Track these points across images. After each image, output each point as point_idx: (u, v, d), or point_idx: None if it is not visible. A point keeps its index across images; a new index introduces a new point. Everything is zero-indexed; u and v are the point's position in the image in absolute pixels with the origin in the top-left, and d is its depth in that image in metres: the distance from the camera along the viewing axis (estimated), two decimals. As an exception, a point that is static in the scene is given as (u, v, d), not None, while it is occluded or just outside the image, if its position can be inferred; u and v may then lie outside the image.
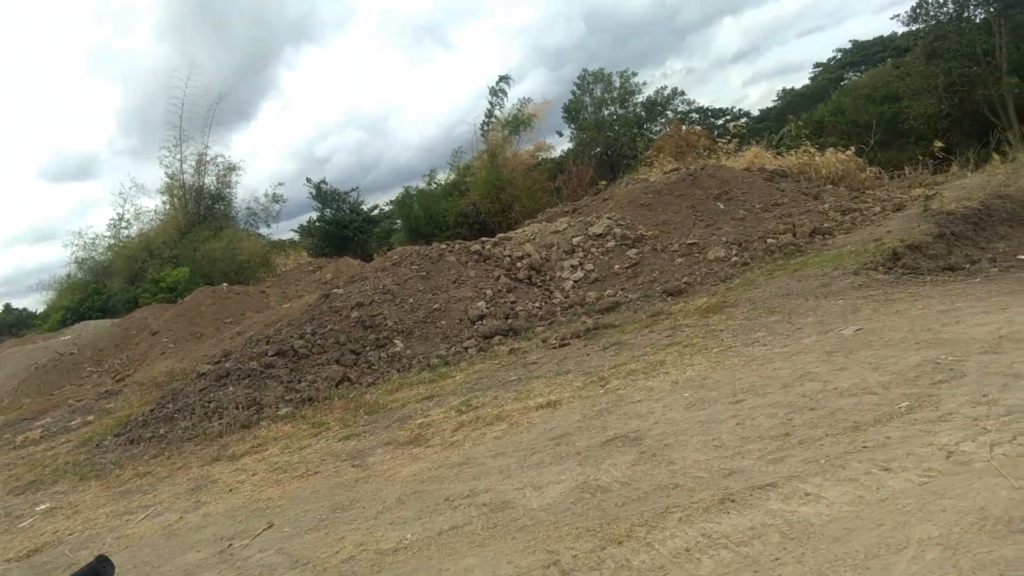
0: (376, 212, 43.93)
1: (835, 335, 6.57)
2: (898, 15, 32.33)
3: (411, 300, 10.75)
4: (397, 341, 9.97)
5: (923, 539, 3.04)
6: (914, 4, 29.97)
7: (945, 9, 29.66)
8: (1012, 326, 5.82)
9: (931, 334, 6.00)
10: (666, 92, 40.16)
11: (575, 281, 11.41)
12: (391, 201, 42.86)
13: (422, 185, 36.67)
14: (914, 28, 31.01)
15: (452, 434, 6.24)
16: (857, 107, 31.51)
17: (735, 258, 10.78)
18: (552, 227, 12.90)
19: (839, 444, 4.21)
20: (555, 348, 8.79)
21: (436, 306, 10.66)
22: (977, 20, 29.19)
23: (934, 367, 5.17)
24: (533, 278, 11.59)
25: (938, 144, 18.45)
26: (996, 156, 15.67)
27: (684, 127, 29.46)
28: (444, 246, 12.52)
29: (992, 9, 28.31)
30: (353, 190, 41.33)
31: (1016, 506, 3.14)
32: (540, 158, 34.13)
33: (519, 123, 32.73)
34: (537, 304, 10.85)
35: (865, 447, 4.10)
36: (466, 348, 9.72)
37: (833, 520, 3.38)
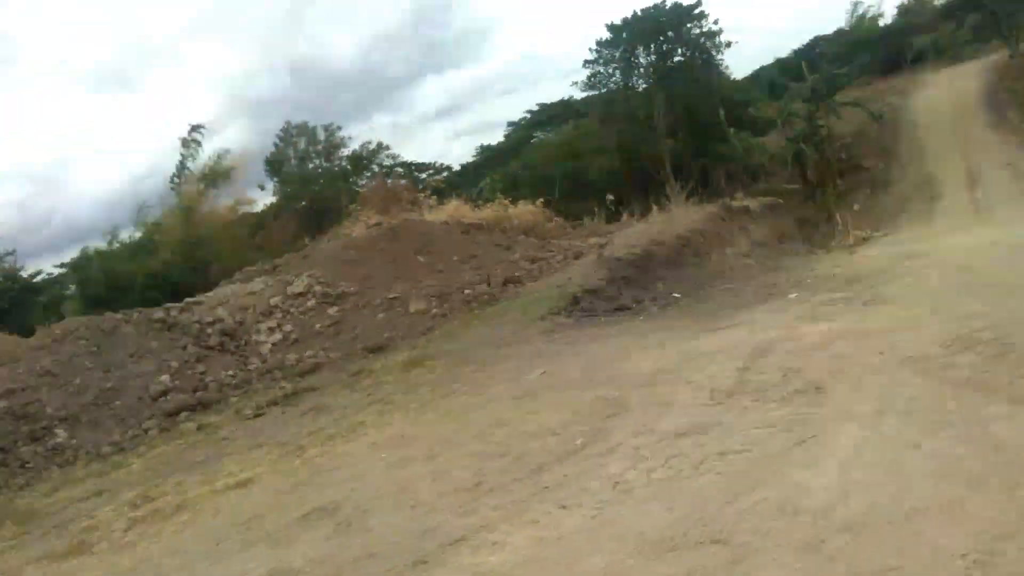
0: (40, 278, 37.50)
1: (524, 380, 6.96)
2: (577, 82, 36.53)
3: (77, 381, 9.44)
4: (59, 431, 8.67)
5: (589, 571, 3.25)
6: (589, 74, 34.02)
7: (614, 79, 34.03)
8: (665, 359, 6.61)
9: (603, 371, 6.60)
10: (372, 146, 40.69)
11: (273, 344, 10.91)
12: (64, 264, 37.35)
13: (103, 245, 32.70)
14: (590, 94, 35.08)
15: (123, 535, 5.49)
16: (545, 163, 34.64)
17: (435, 310, 11.09)
18: (248, 288, 12.27)
19: (525, 487, 4.39)
20: (250, 419, 8.24)
21: (109, 385, 9.47)
22: (640, 90, 33.78)
23: (605, 403, 5.66)
24: (226, 344, 10.85)
25: (611, 197, 20.82)
26: (655, 207, 17.98)
27: (389, 181, 30.08)
28: (120, 316, 11.21)
29: (651, 81, 32.95)
30: (8, 254, 34.93)
31: (669, 526, 3.47)
32: (241, 213, 32.56)
33: (217, 176, 30.98)
34: (231, 372, 10.16)
35: (546, 488, 4.32)
36: (146, 430, 8.75)
37: (516, 566, 3.48)
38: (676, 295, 10.68)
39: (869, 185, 28.58)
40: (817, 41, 50.36)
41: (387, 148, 40.92)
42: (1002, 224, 16.79)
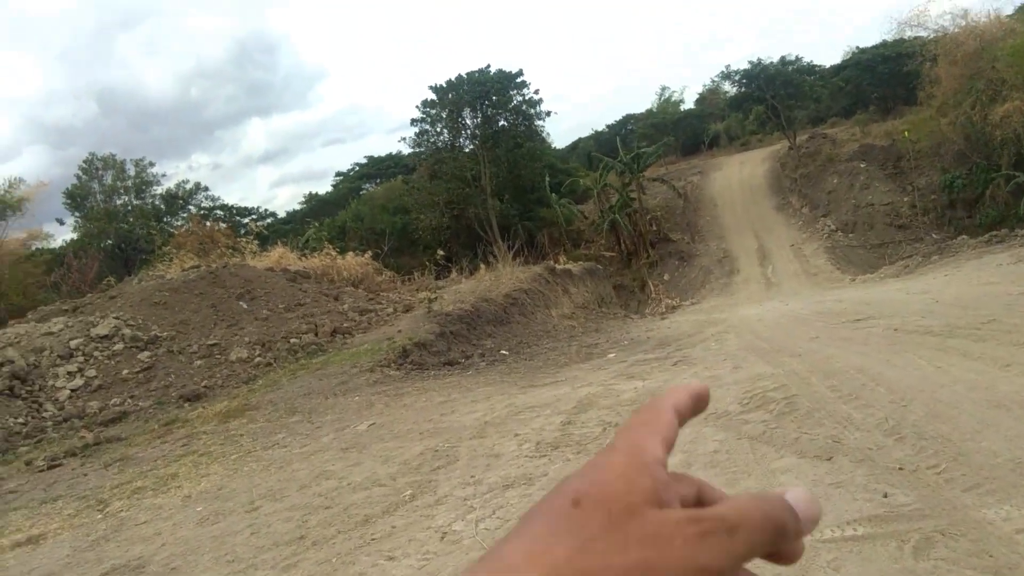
0: None
1: (351, 431, 6.85)
2: (405, 138, 36.95)
3: None
4: None
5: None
6: (417, 131, 34.56)
7: (442, 138, 34.79)
8: (493, 412, 6.79)
9: (432, 424, 6.65)
10: (189, 186, 38.67)
11: (73, 390, 9.94)
12: None
13: None
14: (418, 151, 35.56)
15: None
16: (374, 216, 34.55)
17: (258, 359, 10.64)
18: (45, 328, 11.13)
19: (351, 540, 4.32)
20: (43, 471, 7.43)
21: None
22: (467, 150, 34.74)
23: (434, 454, 5.72)
24: (16, 389, 9.74)
25: (440, 253, 21.16)
26: (483, 265, 18.48)
27: (207, 223, 28.61)
28: None
29: (477, 142, 34.03)
30: None
31: None
32: (34, 248, 29.57)
33: (6, 206, 28.01)
34: (21, 420, 9.11)
35: (374, 539, 4.28)
36: (-87, 483, 7.64)
37: (344, 620, 3.42)
38: (504, 352, 10.98)
39: (677, 256, 31.10)
40: (629, 119, 54.63)
41: (206, 189, 39.12)
42: (788, 296, 18.87)
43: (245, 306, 12.34)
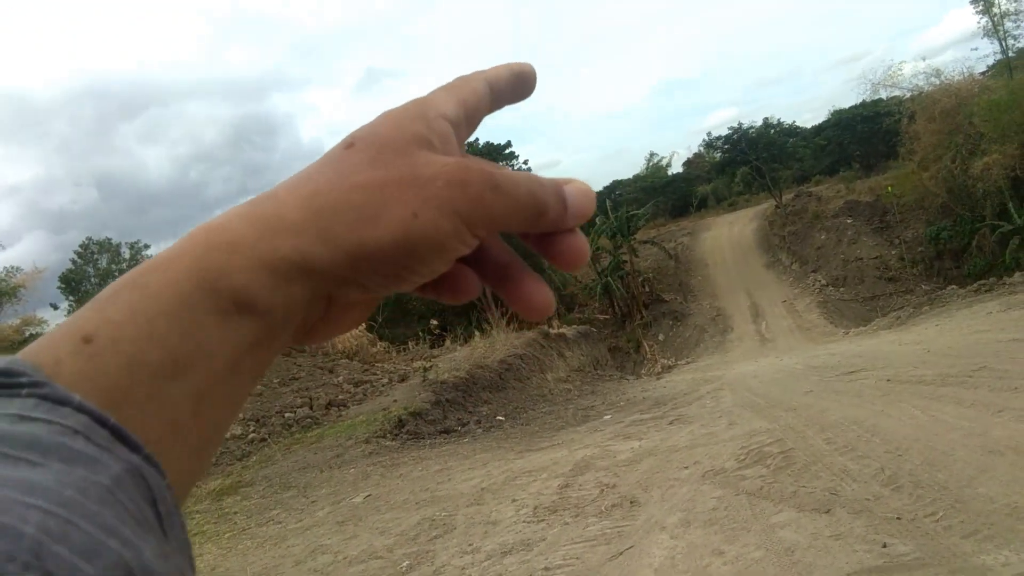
0: None
1: (347, 504, 6.77)
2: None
3: None
4: None
5: None
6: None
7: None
8: (490, 478, 6.73)
9: (428, 493, 6.58)
10: (183, 266, 38.83)
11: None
12: None
13: None
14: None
15: None
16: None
17: (252, 434, 10.55)
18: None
19: (348, 615, 4.25)
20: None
21: None
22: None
23: (431, 524, 5.65)
24: None
25: (434, 322, 21.18)
26: (478, 333, 18.47)
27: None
28: None
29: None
30: None
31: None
32: (27, 334, 29.50)
33: (1, 294, 28.09)
34: None
35: (372, 613, 4.21)
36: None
37: None
38: (500, 417, 10.92)
39: (671, 317, 31.20)
40: (616, 184, 55.60)
41: (202, 267, 39.24)
42: (782, 352, 18.90)
43: (239, 382, 12.30)
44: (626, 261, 34.12)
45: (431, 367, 13.15)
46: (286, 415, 11.29)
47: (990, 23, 29.71)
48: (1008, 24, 29.45)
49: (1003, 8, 29.20)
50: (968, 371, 7.11)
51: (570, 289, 35.39)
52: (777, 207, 38.35)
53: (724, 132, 41.84)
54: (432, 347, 19.03)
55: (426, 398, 11.18)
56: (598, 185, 60.85)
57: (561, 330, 17.72)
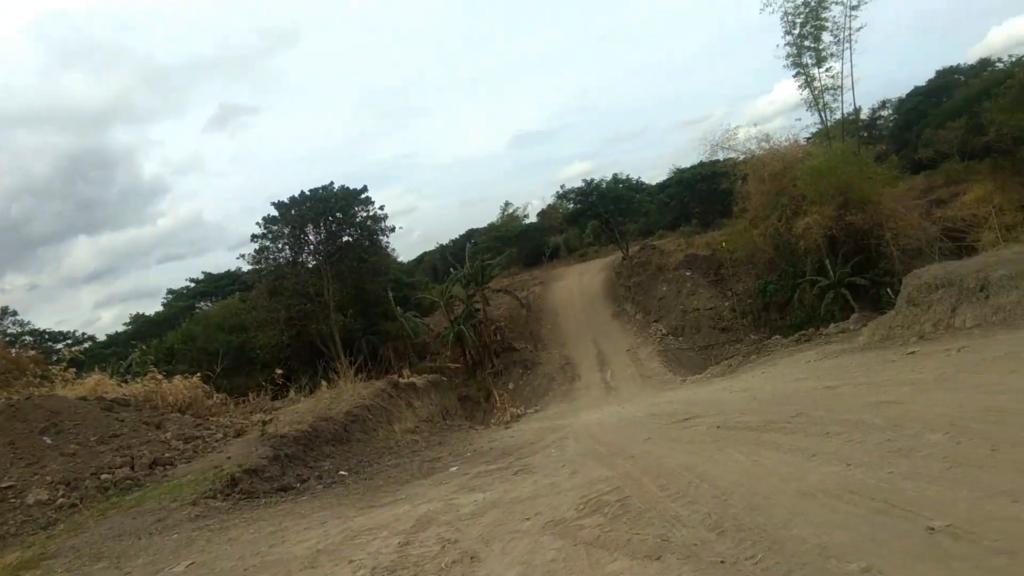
0: None
1: (166, 574, 6.19)
2: (244, 255, 35.90)
3: None
4: None
5: None
6: (257, 247, 33.72)
7: (283, 254, 34.08)
8: (327, 538, 6.39)
9: (259, 558, 6.15)
10: (-6, 311, 35.21)
11: None
12: None
13: None
14: (258, 267, 34.55)
15: None
16: (208, 335, 32.85)
17: (62, 500, 9.48)
18: None
19: None
20: None
21: None
22: (310, 265, 34.18)
23: (258, 592, 5.25)
24: None
25: (279, 371, 20.27)
26: (324, 382, 17.86)
27: (13, 351, 25.96)
28: None
29: (320, 257, 33.60)
30: None
31: None
32: None
33: None
34: None
35: None
36: None
37: None
38: (343, 472, 10.50)
39: (521, 365, 31.63)
40: (472, 233, 56.34)
41: (14, 313, 35.75)
42: (625, 400, 19.55)
43: (49, 441, 11.09)
44: (479, 309, 34.42)
45: (271, 420, 12.52)
46: (103, 476, 10.26)
47: (811, 96, 32.93)
48: (827, 97, 32.77)
49: (822, 83, 32.47)
50: (787, 417, 7.60)
51: (422, 338, 35.16)
52: (624, 259, 40.15)
53: (578, 184, 43.53)
54: (274, 398, 18.18)
55: (264, 453, 10.58)
56: (455, 232, 61.53)
57: (411, 379, 17.48)
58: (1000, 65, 38.35)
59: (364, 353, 30.80)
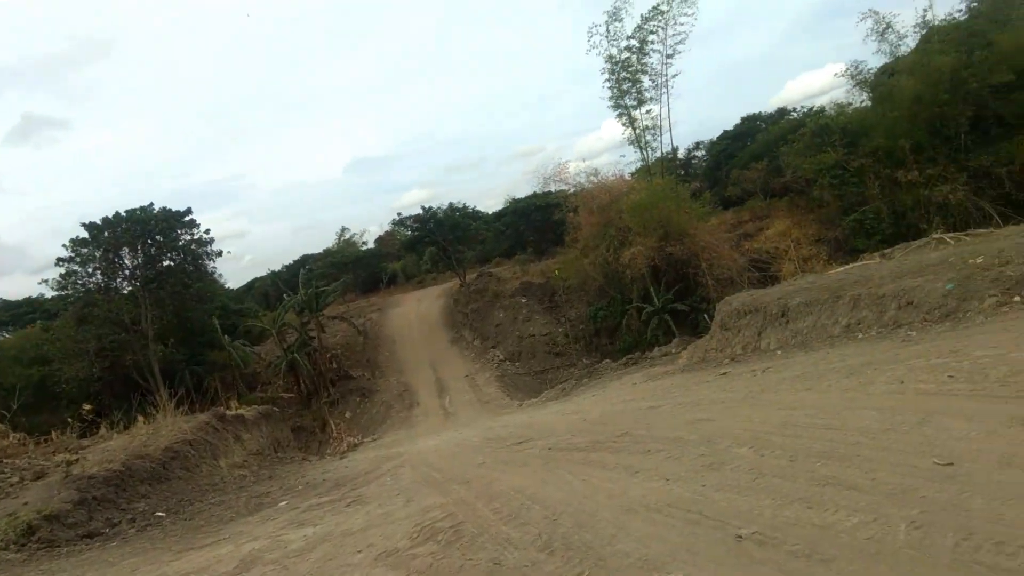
0: None
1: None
2: (47, 280, 32.69)
3: None
4: None
5: None
6: (63, 272, 30.84)
7: (94, 279, 31.40)
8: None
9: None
10: None
11: None
12: None
13: None
14: (65, 293, 31.64)
15: None
16: (3, 369, 29.57)
17: None
18: None
19: None
20: None
21: None
22: (125, 292, 31.73)
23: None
24: None
25: (87, 407, 18.57)
26: (142, 417, 16.56)
27: None
28: None
29: (137, 283, 31.29)
30: None
31: None
32: None
33: None
34: None
35: None
36: None
37: None
38: (160, 513, 9.75)
39: (359, 393, 30.98)
40: (307, 258, 54.71)
41: None
42: (463, 425, 19.63)
43: None
44: (314, 337, 33.39)
45: (77, 460, 11.41)
46: None
47: (634, 135, 35.04)
48: (648, 136, 35.05)
49: (643, 124, 34.68)
50: (614, 437, 7.95)
51: (253, 367, 33.58)
52: (462, 286, 40.52)
53: (416, 211, 43.55)
54: (83, 436, 16.59)
55: (67, 497, 9.60)
56: (288, 258, 59.38)
57: (239, 411, 16.61)
58: (795, 114, 42.82)
59: (188, 385, 28.96)
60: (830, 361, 9.61)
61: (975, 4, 28.61)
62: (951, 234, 17.25)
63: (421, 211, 42.84)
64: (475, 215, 47.30)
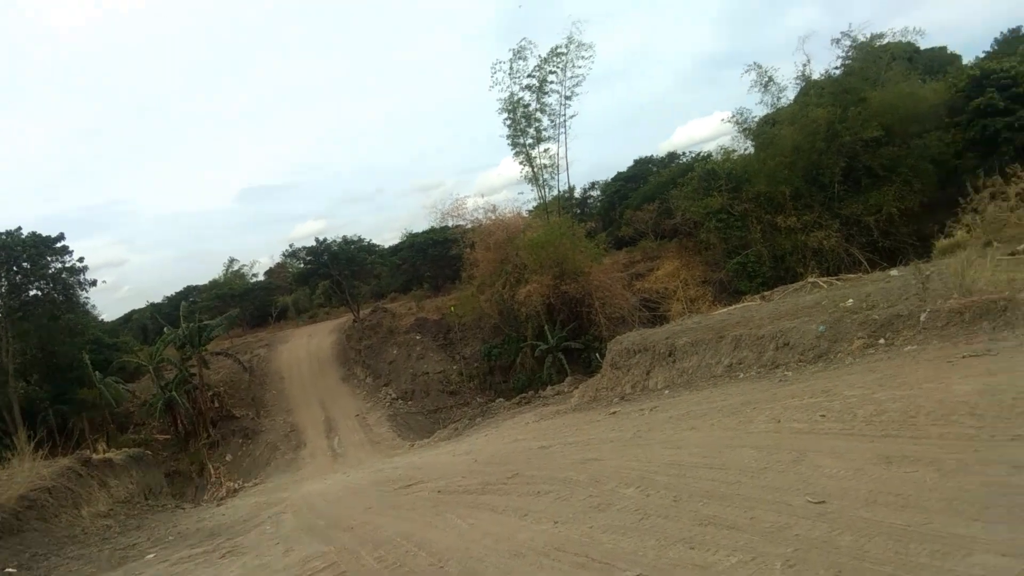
0: None
1: None
2: None
3: None
4: None
5: None
6: None
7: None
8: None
9: None
10: None
11: None
12: None
13: None
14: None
15: None
16: None
17: None
18: None
19: None
20: None
21: None
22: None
23: None
24: None
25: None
26: (-6, 462, 15.16)
27: None
28: None
29: (0, 313, 28.95)
30: None
31: None
32: None
33: None
34: None
35: None
36: None
37: None
38: (10, 569, 8.87)
39: (241, 434, 29.59)
40: (191, 290, 52.19)
41: None
42: (353, 467, 19.04)
43: None
44: (195, 374, 31.74)
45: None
46: None
47: (532, 173, 35.62)
48: (545, 175, 35.72)
49: (540, 162, 35.35)
50: (504, 478, 7.86)
51: (126, 406, 31.54)
52: (355, 321, 39.64)
53: (309, 243, 42.42)
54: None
55: None
56: (171, 289, 56.48)
57: (107, 455, 15.48)
58: (684, 159, 44.77)
59: (51, 425, 26.86)
60: (713, 400, 9.90)
61: (849, 62, 30.96)
62: (825, 278, 18.33)
63: (315, 243, 41.88)
64: (371, 248, 46.56)
